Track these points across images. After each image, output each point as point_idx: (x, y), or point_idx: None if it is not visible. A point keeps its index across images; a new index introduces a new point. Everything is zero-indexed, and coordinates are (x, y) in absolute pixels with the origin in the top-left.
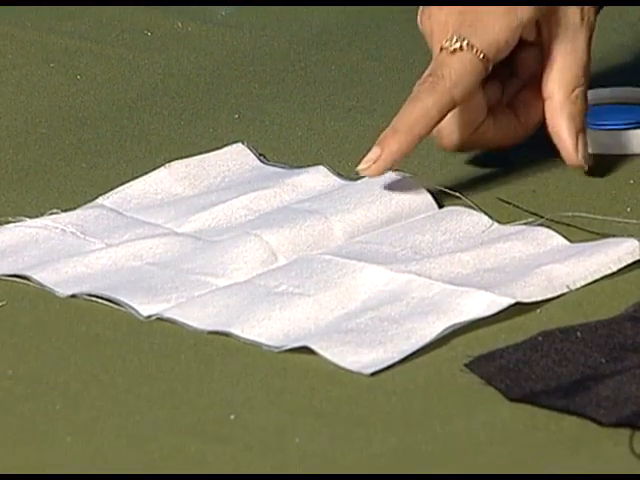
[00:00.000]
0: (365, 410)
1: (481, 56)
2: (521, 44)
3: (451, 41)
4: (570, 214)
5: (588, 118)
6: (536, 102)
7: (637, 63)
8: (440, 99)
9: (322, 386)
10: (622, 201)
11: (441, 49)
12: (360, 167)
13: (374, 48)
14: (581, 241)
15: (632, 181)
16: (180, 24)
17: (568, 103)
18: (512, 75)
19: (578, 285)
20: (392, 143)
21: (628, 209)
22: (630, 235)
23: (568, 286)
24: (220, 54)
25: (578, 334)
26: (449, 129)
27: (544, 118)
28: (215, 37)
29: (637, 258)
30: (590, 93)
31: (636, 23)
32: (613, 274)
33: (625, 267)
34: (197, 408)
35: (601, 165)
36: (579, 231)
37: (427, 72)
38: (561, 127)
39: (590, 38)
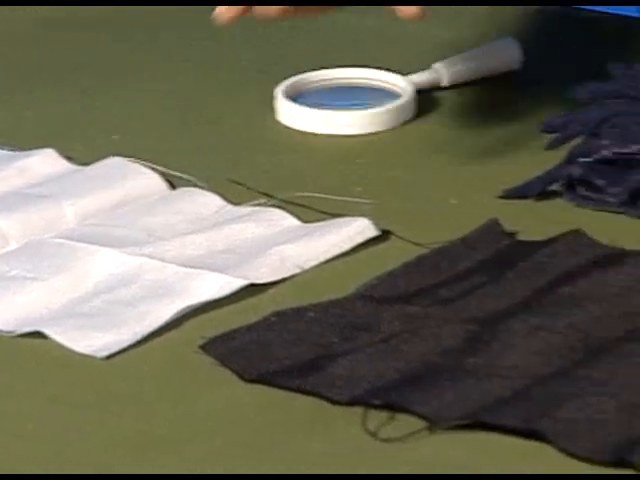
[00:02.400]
0: (99, 394)
1: None
2: None
3: None
4: (302, 194)
5: (320, 99)
6: None
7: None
8: None
9: (56, 370)
10: (352, 181)
11: None
12: (217, 11)
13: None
14: (313, 221)
15: (361, 160)
16: None
17: None
18: None
19: (310, 265)
20: None
21: (359, 188)
22: (361, 214)
23: (300, 266)
24: None
25: (311, 314)
26: None
27: None
28: None
29: (368, 237)
30: (323, 74)
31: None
32: (345, 253)
33: (356, 246)
34: None
35: (331, 145)
36: (311, 211)
37: None
38: None
39: None
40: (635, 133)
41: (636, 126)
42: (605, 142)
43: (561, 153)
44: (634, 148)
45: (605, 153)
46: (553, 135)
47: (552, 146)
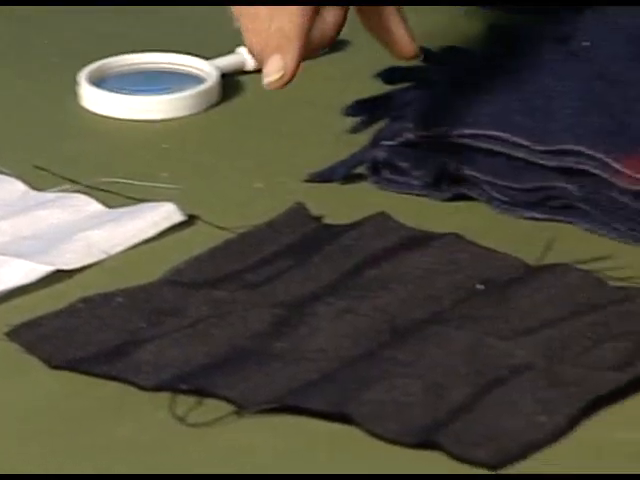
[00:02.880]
0: None
1: None
2: None
3: None
4: (107, 180)
5: (125, 84)
6: (333, 11)
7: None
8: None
9: None
10: (158, 166)
11: None
12: (267, 80)
13: None
14: (119, 207)
15: (166, 145)
16: None
17: None
18: None
19: (117, 250)
20: (290, 49)
21: (164, 174)
22: (167, 199)
23: (107, 252)
24: None
25: (118, 299)
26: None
27: (366, 15)
28: None
29: (174, 222)
30: (128, 58)
31: None
32: (151, 239)
33: (163, 231)
34: None
35: (136, 131)
36: (116, 197)
37: None
38: (395, 20)
39: None
40: (438, 116)
41: (439, 112)
42: (409, 125)
43: (366, 137)
44: (436, 131)
45: (409, 136)
46: (358, 118)
47: (357, 130)
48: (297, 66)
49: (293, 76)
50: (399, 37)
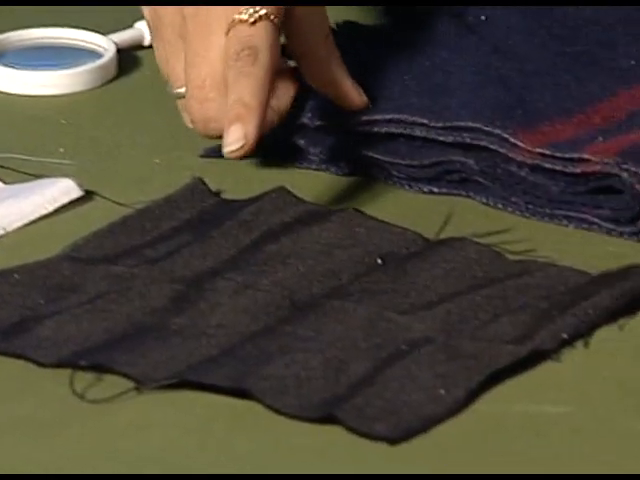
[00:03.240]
0: None
1: (276, 22)
2: None
3: (248, 13)
4: (3, 156)
5: (21, 59)
6: (284, 85)
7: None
8: (267, 70)
9: None
10: (55, 142)
11: (233, 22)
12: (228, 149)
13: None
14: (16, 183)
15: (64, 121)
16: None
17: (327, 50)
18: None
19: (14, 227)
20: (251, 119)
21: (61, 149)
22: (64, 175)
23: (4, 228)
24: None
25: (16, 276)
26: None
27: (311, 74)
28: None
29: (72, 198)
30: (24, 33)
31: None
32: (49, 214)
33: (61, 207)
34: None
35: (32, 106)
36: (13, 173)
37: (234, 47)
38: (338, 74)
39: None
40: (334, 107)
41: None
42: (307, 113)
43: None
44: (334, 121)
45: (306, 122)
46: None
47: None
48: (258, 136)
49: (254, 146)
50: (347, 90)
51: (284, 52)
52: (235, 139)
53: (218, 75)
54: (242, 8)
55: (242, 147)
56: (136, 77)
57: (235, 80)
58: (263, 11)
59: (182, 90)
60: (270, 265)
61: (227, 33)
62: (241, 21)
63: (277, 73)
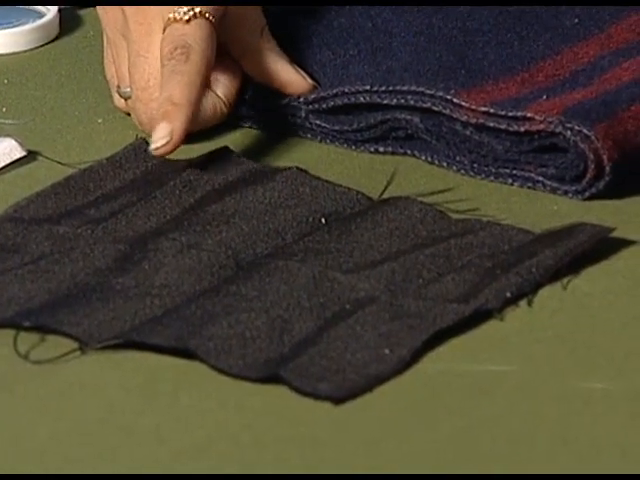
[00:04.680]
0: None
1: (212, 19)
2: None
3: (182, 11)
4: None
5: None
6: (230, 73)
7: None
8: (199, 67)
9: None
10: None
11: (169, 20)
12: (154, 146)
13: None
14: None
15: (6, 81)
16: None
17: (265, 44)
18: None
19: None
20: (179, 116)
21: (4, 109)
22: (6, 135)
23: None
24: None
25: None
26: None
27: (252, 68)
28: None
29: (15, 158)
30: None
31: None
32: None
33: (3, 167)
34: None
35: None
36: None
37: (168, 46)
38: (278, 64)
39: None
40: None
41: None
42: (249, 93)
43: None
44: (282, 101)
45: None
46: None
47: None
48: (184, 133)
49: (180, 143)
50: (291, 78)
51: None
52: (161, 136)
53: (160, 75)
54: (178, 7)
55: (167, 143)
56: (78, 36)
57: (167, 79)
58: (198, 9)
59: (129, 90)
60: (214, 225)
61: (164, 31)
62: (176, 19)
63: (223, 63)
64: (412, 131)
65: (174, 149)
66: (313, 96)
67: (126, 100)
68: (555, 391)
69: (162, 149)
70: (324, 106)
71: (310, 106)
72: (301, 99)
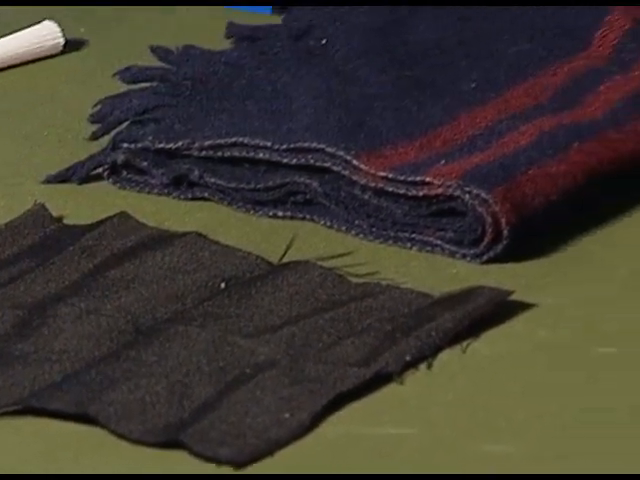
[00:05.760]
0: None
1: None
2: None
3: None
4: None
5: None
6: None
7: None
8: None
9: None
10: None
11: None
12: None
13: None
14: None
15: None
16: None
17: None
18: None
19: None
20: None
21: None
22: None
23: None
24: None
25: None
26: None
27: None
28: None
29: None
30: None
31: None
32: None
33: None
34: None
35: None
36: None
37: None
38: None
39: None
40: (177, 129)
41: (178, 125)
42: (149, 136)
43: (106, 137)
44: (176, 145)
45: (148, 144)
46: (97, 125)
47: (96, 136)
48: None
49: None
50: None
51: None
52: None
53: None
54: None
55: None
56: None
57: None
58: None
59: None
60: (113, 290)
61: None
62: None
63: None
64: (311, 196)
65: None
66: (209, 142)
67: None
68: (455, 454)
69: None
70: (219, 154)
71: (204, 152)
72: (196, 144)
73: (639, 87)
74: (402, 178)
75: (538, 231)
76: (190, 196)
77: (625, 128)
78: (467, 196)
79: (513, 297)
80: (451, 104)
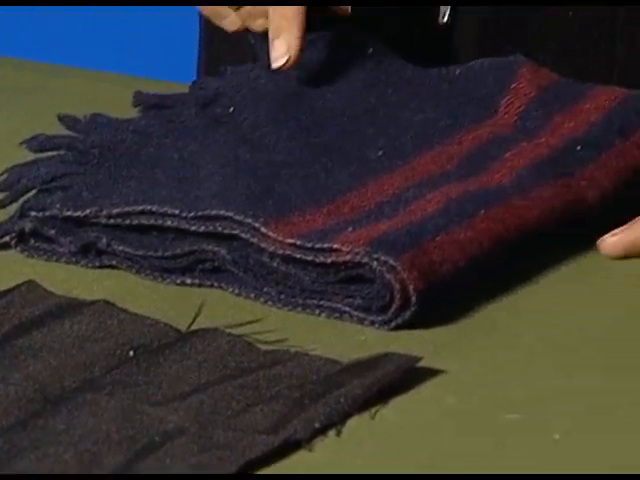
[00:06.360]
0: None
1: None
2: None
3: None
4: None
5: None
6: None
7: None
8: None
9: None
10: None
11: None
12: (277, 64)
13: None
14: None
15: None
16: None
17: None
18: None
19: None
20: (293, 30)
21: None
22: None
23: None
24: None
25: None
26: None
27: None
28: None
29: None
30: None
31: None
32: None
33: None
34: None
35: None
36: None
37: None
38: None
39: None
40: (85, 199)
41: (86, 192)
42: (56, 204)
43: (13, 206)
44: (84, 212)
45: (56, 212)
46: (4, 193)
47: (3, 204)
48: (301, 44)
49: (298, 55)
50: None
51: None
52: (280, 53)
53: None
54: None
55: (287, 61)
56: None
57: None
58: None
59: None
60: (21, 359)
61: None
62: None
63: None
64: (219, 263)
65: (295, 62)
66: (117, 210)
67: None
68: None
69: (284, 66)
70: (127, 222)
71: (112, 220)
72: (104, 212)
73: (544, 154)
74: (310, 245)
75: (446, 297)
76: (98, 264)
77: (530, 195)
78: (375, 263)
79: (421, 363)
80: (358, 171)
